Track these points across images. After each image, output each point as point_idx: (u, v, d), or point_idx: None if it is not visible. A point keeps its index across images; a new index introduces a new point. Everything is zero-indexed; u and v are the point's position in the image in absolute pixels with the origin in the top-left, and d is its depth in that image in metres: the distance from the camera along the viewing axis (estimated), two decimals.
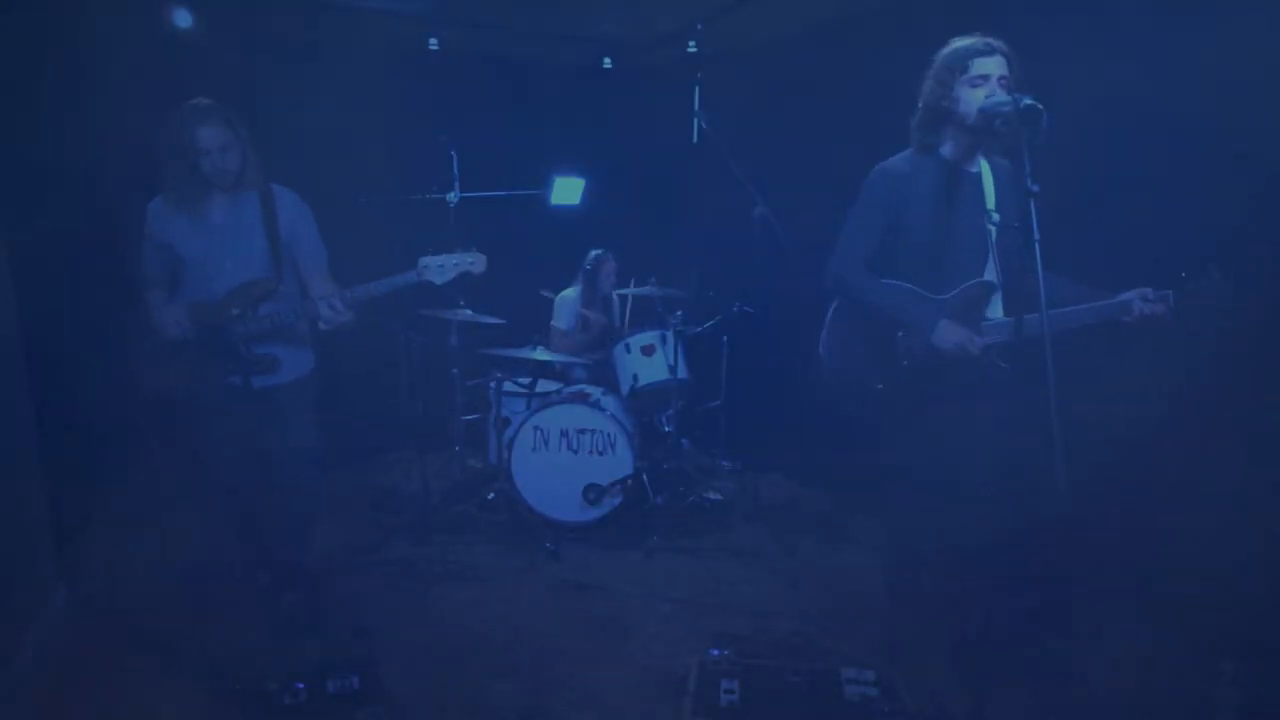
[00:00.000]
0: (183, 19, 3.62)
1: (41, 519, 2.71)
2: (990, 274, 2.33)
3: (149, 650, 2.49)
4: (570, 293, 4.46)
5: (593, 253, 4.42)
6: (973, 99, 2.16)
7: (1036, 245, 1.84)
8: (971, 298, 2.30)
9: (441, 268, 2.55)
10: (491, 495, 3.77)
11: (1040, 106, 1.87)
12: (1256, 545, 2.37)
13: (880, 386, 2.37)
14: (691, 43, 4.40)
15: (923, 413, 2.36)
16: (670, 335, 3.83)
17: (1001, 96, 2.06)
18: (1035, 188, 1.83)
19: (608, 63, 4.92)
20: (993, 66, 2.15)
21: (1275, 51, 2.32)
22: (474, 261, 2.57)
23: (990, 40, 2.17)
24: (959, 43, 2.21)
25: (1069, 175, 1.99)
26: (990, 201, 2.32)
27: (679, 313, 3.84)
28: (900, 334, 2.32)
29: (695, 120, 4.15)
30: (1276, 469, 2.35)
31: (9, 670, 2.34)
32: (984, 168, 2.35)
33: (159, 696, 2.31)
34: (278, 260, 2.58)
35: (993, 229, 2.30)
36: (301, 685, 2.22)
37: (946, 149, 2.31)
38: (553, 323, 4.43)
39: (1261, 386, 2.40)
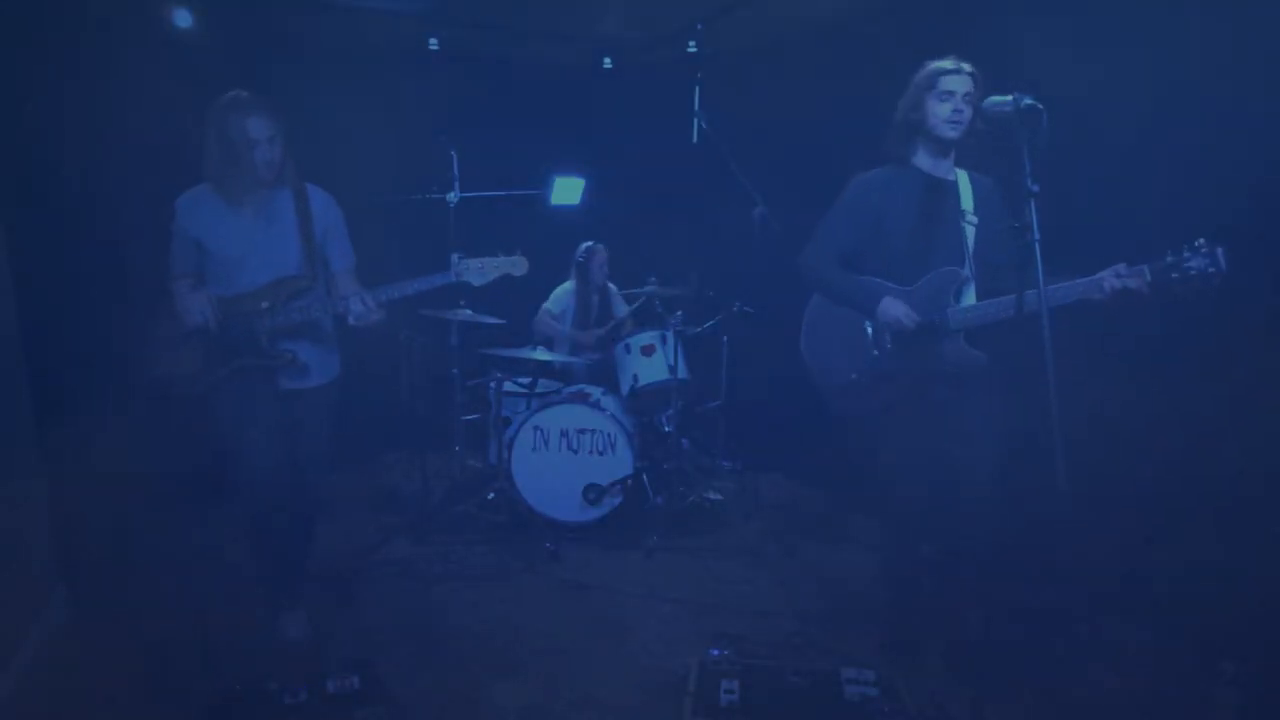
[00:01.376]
0: (183, 19, 3.62)
1: (41, 518, 2.72)
2: (967, 270, 2.39)
3: (149, 650, 2.49)
4: (568, 286, 4.48)
5: (583, 245, 4.45)
6: (939, 111, 2.33)
7: (1036, 245, 1.86)
8: (937, 284, 2.36)
9: (481, 269, 2.55)
10: (491, 495, 3.77)
11: (1040, 107, 1.90)
12: (1256, 545, 2.37)
13: (854, 376, 2.46)
14: (691, 43, 4.39)
15: (901, 404, 2.42)
16: (670, 335, 3.83)
17: (998, 97, 2.07)
18: (1035, 188, 1.86)
19: (608, 63, 4.92)
20: (958, 84, 2.31)
21: (1269, 32, 2.33)
22: (515, 264, 2.59)
23: (961, 63, 2.34)
24: (933, 63, 2.38)
25: (1060, 166, 2.00)
26: (967, 203, 2.41)
27: (679, 313, 3.84)
28: (868, 324, 2.42)
29: (695, 120, 4.15)
30: (1277, 468, 2.35)
31: (9, 670, 2.34)
32: (961, 177, 2.44)
33: (159, 696, 2.31)
34: (311, 259, 2.55)
35: (968, 227, 2.38)
36: (301, 685, 2.22)
37: (920, 159, 2.42)
38: (545, 305, 4.45)
39: (1262, 384, 2.40)
